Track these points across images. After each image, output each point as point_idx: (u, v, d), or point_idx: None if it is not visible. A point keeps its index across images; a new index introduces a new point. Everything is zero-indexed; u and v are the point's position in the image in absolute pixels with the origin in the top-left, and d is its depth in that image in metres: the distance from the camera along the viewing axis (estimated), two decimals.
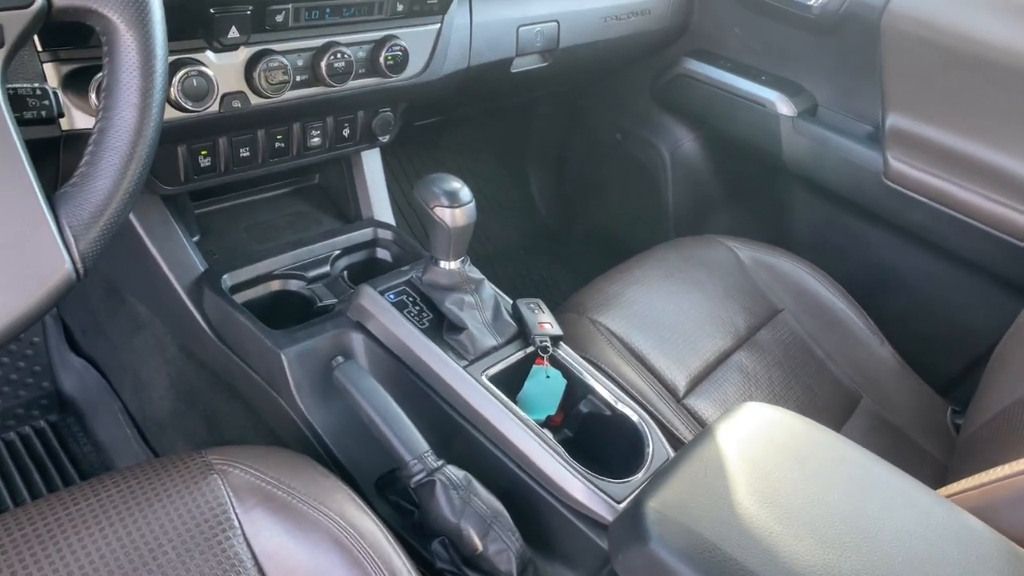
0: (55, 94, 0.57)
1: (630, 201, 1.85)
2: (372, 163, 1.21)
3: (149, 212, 0.98)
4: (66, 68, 0.67)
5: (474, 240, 1.36)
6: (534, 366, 0.90)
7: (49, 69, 0.65)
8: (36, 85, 0.56)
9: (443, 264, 0.91)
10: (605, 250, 1.69)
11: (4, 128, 0.48)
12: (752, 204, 1.71)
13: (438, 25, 1.04)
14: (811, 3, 1.34)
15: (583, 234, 2.00)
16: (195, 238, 1.07)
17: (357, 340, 0.93)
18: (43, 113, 0.57)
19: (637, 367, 1.07)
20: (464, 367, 0.86)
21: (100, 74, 0.52)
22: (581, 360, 0.93)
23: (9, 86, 0.54)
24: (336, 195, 1.23)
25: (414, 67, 1.02)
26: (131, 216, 0.97)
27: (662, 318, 1.14)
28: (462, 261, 0.92)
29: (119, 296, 1.16)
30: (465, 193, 0.87)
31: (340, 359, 0.90)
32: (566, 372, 0.91)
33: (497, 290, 0.97)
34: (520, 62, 1.25)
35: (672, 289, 1.20)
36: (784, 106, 1.42)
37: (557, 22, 1.27)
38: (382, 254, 1.16)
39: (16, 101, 0.55)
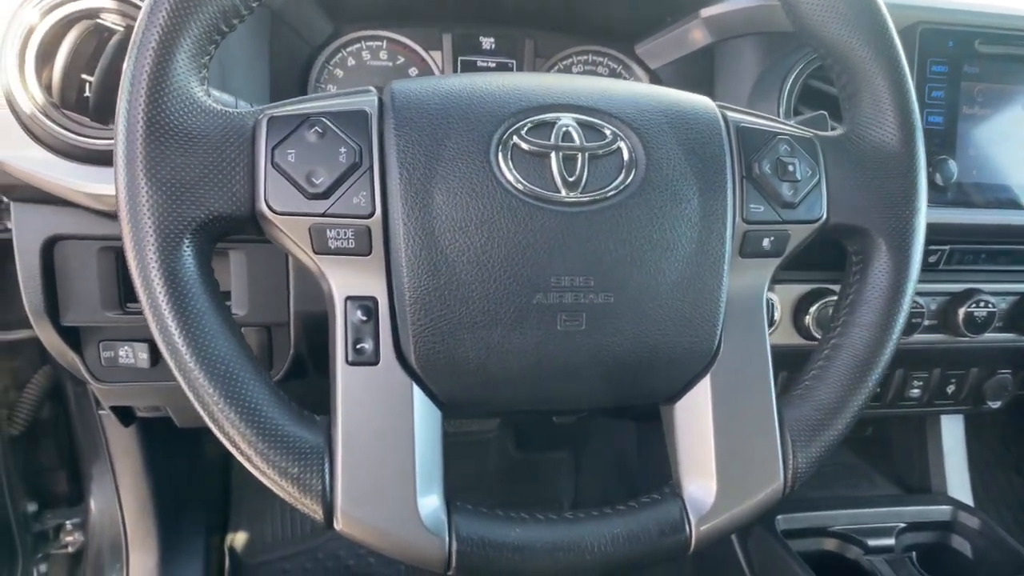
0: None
1: None
2: (953, 429, 1.02)
3: None
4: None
5: None
6: None
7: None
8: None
9: None
10: None
11: (760, 329, 0.47)
12: None
13: None
14: None
15: None
16: None
17: None
18: None
19: None
20: None
21: (849, 293, 0.50)
22: None
23: None
24: (897, 454, 1.06)
25: None
26: None
27: None
28: None
29: None
30: None
31: None
32: None
33: None
34: None
35: None
36: None
37: None
38: (959, 543, 0.93)
39: None
